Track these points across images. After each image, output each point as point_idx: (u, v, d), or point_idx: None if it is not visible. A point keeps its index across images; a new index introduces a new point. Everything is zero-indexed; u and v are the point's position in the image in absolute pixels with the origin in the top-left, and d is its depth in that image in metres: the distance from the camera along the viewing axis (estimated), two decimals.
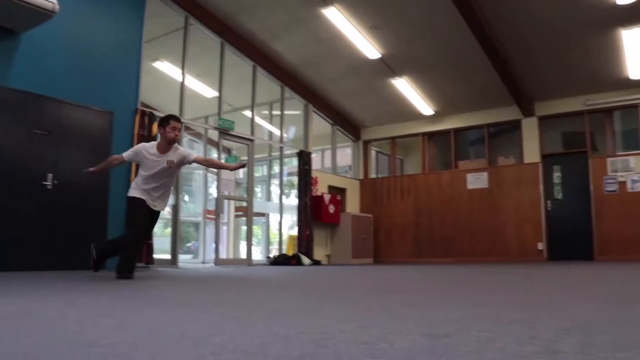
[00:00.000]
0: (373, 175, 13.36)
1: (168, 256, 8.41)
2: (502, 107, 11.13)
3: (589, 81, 10.18)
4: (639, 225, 9.69)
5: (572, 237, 10.33)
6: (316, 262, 10.57)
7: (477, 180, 11.24)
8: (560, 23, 8.66)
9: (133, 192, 4.92)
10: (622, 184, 9.97)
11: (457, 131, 11.95)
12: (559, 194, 10.66)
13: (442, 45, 9.50)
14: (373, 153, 13.59)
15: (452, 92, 11.06)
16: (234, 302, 2.71)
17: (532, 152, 10.91)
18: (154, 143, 5.08)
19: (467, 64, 9.87)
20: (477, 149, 12.07)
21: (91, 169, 5.06)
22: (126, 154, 5.03)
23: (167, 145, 4.92)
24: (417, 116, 11.99)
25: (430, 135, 12.34)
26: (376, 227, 12.28)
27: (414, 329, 1.58)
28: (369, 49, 9.62)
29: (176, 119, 5.00)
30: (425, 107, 11.56)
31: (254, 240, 10.57)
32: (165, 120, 4.95)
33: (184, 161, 5.00)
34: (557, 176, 10.75)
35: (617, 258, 9.76)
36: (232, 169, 5.85)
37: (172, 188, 5.38)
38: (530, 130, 11.02)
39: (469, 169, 11.47)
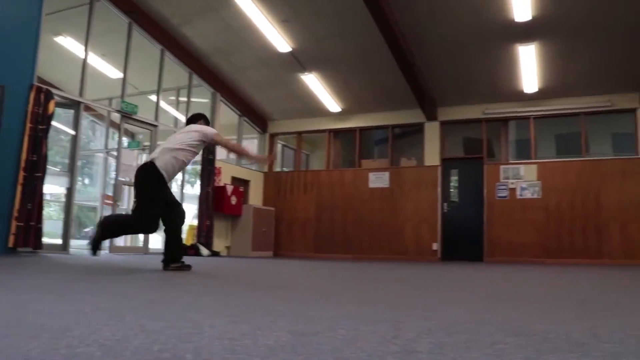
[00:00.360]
0: (278, 169, 13.58)
1: (60, 241, 8.18)
2: (407, 110, 11.67)
3: (488, 91, 11.02)
4: (525, 230, 10.68)
5: (465, 239, 11.12)
6: (215, 253, 10.60)
7: (379, 180, 11.74)
8: (464, 35, 9.23)
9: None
10: (513, 190, 10.90)
11: (363, 130, 12.38)
12: (455, 197, 11.52)
13: (352, 44, 9.81)
14: (279, 146, 13.81)
15: (359, 92, 11.44)
16: (109, 292, 2.66)
17: (432, 155, 11.56)
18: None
19: (375, 65, 10.26)
20: (381, 149, 12.72)
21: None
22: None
23: None
24: (324, 113, 12.29)
25: (336, 132, 12.70)
26: (278, 220, 12.47)
27: (284, 326, 1.62)
28: (280, 41, 9.75)
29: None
30: (332, 105, 11.87)
31: None
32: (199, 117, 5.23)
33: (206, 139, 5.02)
34: (454, 179, 11.57)
35: (503, 260, 10.67)
36: (254, 158, 6.09)
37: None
38: (432, 134, 11.65)
39: (372, 168, 11.90)
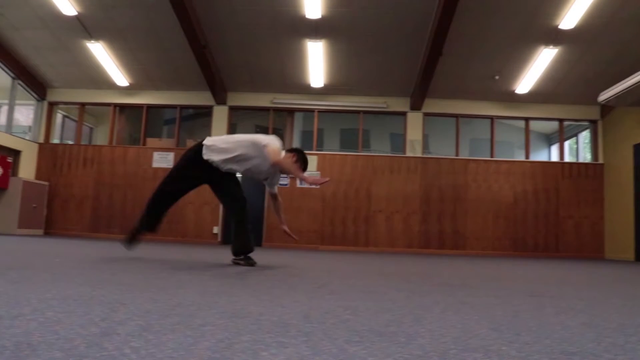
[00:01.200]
0: (56, 141, 13.21)
1: None
2: (196, 91, 12.15)
3: (277, 81, 12.09)
4: (302, 217, 11.99)
5: None
6: None
7: (163, 160, 12.06)
8: (258, 24, 9.95)
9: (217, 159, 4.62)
10: (293, 179, 12.17)
11: (150, 107, 12.62)
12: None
13: (144, 17, 9.98)
14: (59, 117, 13.43)
15: (149, 67, 11.63)
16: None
17: None
18: None
19: (167, 42, 10.55)
20: (172, 129, 13.32)
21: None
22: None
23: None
24: (110, 85, 12.26)
25: (122, 107, 12.77)
26: (52, 196, 12.18)
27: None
28: (64, 3, 9.55)
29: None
30: (120, 78, 11.88)
31: None
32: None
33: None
34: None
35: (281, 245, 11.85)
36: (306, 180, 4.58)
37: None
38: (220, 118, 12.28)
39: (157, 147, 12.20)
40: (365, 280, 3.47)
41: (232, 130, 12.59)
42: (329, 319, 1.74)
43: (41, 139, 12.78)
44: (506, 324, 1.75)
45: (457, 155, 12.28)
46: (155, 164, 12.17)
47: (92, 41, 10.80)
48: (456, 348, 1.34)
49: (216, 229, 11.91)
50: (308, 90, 12.17)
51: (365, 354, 1.23)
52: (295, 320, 1.68)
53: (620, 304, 2.59)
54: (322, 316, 1.79)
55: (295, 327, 1.55)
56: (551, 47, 10.18)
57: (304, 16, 9.71)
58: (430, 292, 2.79)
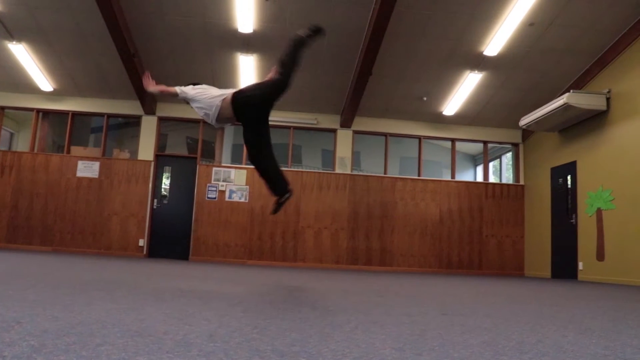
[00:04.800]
0: None
1: None
2: (125, 100, 11.85)
3: None
4: (230, 231, 11.91)
5: (173, 237, 11.84)
6: None
7: (87, 169, 11.67)
8: (189, 36, 9.85)
9: None
10: (222, 192, 12.08)
11: (76, 114, 12.20)
12: (166, 194, 12.31)
13: (71, 21, 9.65)
14: None
15: (75, 73, 11.25)
16: None
17: (147, 150, 11.91)
18: None
19: (95, 48, 10.26)
20: (97, 138, 12.93)
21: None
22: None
23: None
24: (33, 89, 11.79)
25: (45, 113, 12.28)
26: None
27: None
28: None
29: None
30: (44, 82, 11.46)
31: None
32: None
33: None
34: (167, 176, 12.40)
35: (208, 259, 11.74)
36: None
37: None
38: (149, 128, 12.00)
39: (81, 156, 11.80)
40: (282, 297, 3.46)
41: (161, 141, 12.34)
42: (235, 337, 1.71)
43: None
44: (410, 344, 1.78)
45: (385, 173, 12.49)
46: (79, 173, 11.77)
47: (14, 42, 10.39)
48: None
49: (142, 242, 11.62)
50: None
51: None
52: (199, 339, 1.65)
53: (525, 321, 2.68)
54: (229, 335, 1.76)
55: (198, 346, 1.53)
56: (476, 71, 10.55)
57: (237, 30, 9.69)
58: (346, 310, 2.81)
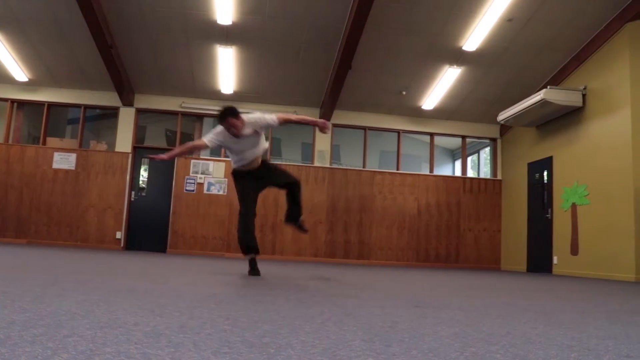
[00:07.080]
0: None
1: None
2: (102, 91, 11.73)
3: (187, 85, 11.85)
4: (208, 223, 11.87)
5: (150, 229, 11.74)
6: None
7: (64, 161, 11.56)
8: (168, 27, 9.74)
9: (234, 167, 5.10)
10: (201, 185, 12.04)
11: (52, 105, 12.07)
12: (144, 187, 12.24)
13: (46, 9, 9.49)
14: None
15: (52, 63, 11.10)
16: None
17: (125, 142, 11.80)
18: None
19: (71, 38, 10.11)
20: (74, 129, 12.79)
21: (161, 156, 4.69)
22: (208, 140, 4.83)
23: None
24: (7, 79, 11.63)
25: (20, 103, 12.12)
26: None
27: None
28: None
29: (231, 113, 4.76)
30: (18, 72, 11.31)
31: None
32: (221, 118, 4.77)
33: (265, 127, 5.04)
34: (144, 169, 12.33)
35: (186, 252, 11.73)
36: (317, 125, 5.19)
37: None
38: (126, 120, 11.90)
39: (58, 148, 11.68)
40: (257, 289, 3.48)
41: (140, 133, 12.25)
42: (206, 329, 1.73)
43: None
44: (381, 335, 1.81)
45: (364, 166, 12.54)
46: (55, 165, 11.64)
47: None
48: (322, 358, 1.37)
49: (119, 234, 11.55)
50: (218, 96, 12.07)
51: None
52: (169, 330, 1.66)
53: (496, 314, 2.73)
54: (199, 326, 1.77)
55: (167, 337, 1.54)
56: (455, 66, 10.62)
57: (215, 21, 9.62)
58: (320, 303, 2.83)
